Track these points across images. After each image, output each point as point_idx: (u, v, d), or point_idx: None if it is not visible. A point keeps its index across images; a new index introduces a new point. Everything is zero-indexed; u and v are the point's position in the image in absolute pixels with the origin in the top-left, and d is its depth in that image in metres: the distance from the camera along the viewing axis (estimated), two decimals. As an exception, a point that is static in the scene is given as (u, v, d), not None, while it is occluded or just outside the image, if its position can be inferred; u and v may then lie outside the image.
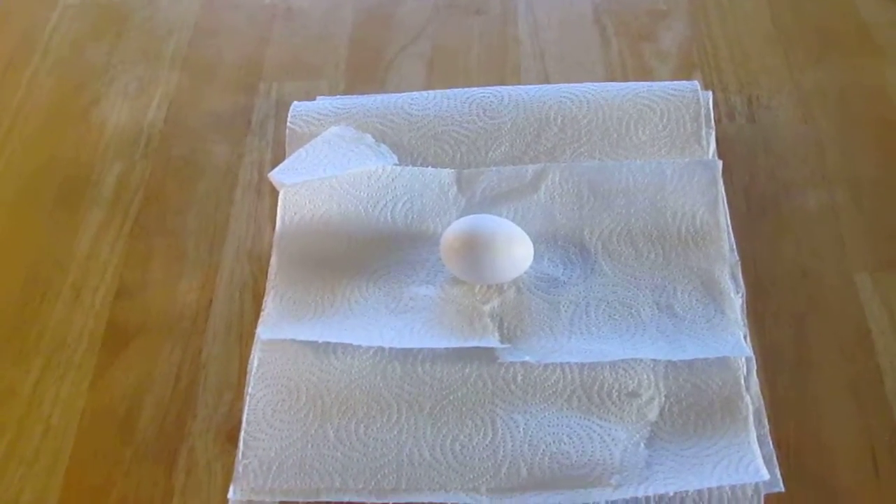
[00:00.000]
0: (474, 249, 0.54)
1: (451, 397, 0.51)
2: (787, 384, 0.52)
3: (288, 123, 0.64)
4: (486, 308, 0.55)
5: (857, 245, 0.57)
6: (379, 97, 0.66)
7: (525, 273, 0.55)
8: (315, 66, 0.71)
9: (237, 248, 0.60)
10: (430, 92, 0.65)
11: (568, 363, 0.52)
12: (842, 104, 0.65)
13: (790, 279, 0.56)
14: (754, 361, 0.52)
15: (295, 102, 0.65)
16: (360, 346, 0.53)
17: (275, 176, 0.60)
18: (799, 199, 0.60)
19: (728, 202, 0.58)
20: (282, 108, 0.67)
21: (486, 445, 0.50)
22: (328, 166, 0.60)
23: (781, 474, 0.48)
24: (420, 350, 0.53)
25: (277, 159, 0.63)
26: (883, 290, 0.55)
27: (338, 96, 0.67)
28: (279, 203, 0.60)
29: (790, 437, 0.50)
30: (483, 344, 0.52)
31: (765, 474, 0.47)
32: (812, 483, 0.49)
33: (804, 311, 0.55)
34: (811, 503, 0.49)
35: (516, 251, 0.54)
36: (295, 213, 0.60)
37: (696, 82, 0.63)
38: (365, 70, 0.70)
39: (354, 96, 0.66)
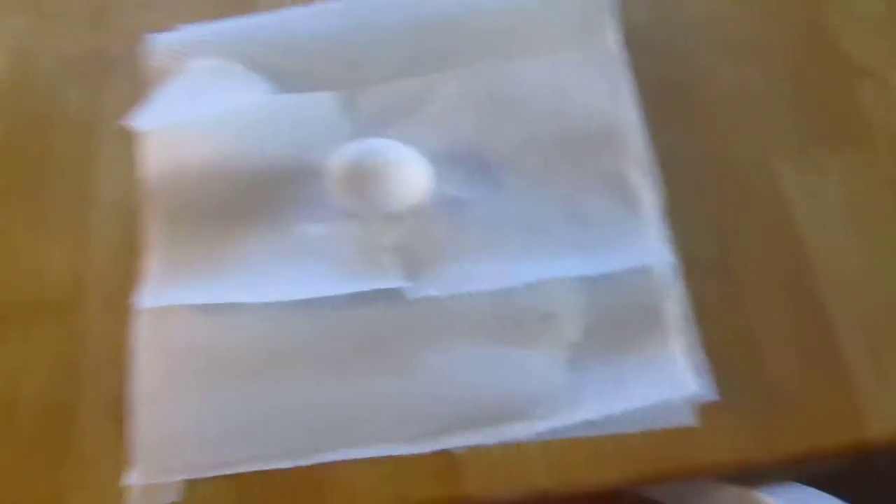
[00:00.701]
0: (365, 178, 0.50)
1: (358, 345, 0.48)
2: (714, 285, 0.50)
3: (147, 59, 0.58)
4: (386, 242, 0.51)
5: (778, 129, 0.54)
6: (248, 20, 0.60)
7: (424, 198, 0.51)
8: (174, -3, 0.63)
9: (108, 208, 0.55)
10: (305, 7, 0.59)
11: (479, 292, 0.49)
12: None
13: (709, 172, 0.53)
14: (676, 265, 0.49)
15: (153, 35, 0.59)
16: (254, 303, 0.49)
17: (134, 122, 0.54)
18: (713, 85, 0.56)
19: (638, 95, 0.54)
20: (141, 43, 0.60)
21: (400, 392, 0.47)
22: (194, 104, 0.55)
23: (714, 382, 0.46)
24: (320, 298, 0.49)
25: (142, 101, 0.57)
26: (805, 177, 0.53)
27: (202, 23, 0.60)
28: (144, 153, 0.55)
29: (721, 342, 0.48)
30: (386, 285, 0.49)
31: (692, 385, 0.45)
32: (748, 386, 0.47)
33: (725, 208, 0.52)
34: (748, 408, 0.47)
35: (412, 175, 0.51)
36: (163, 162, 0.54)
37: None
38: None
39: (221, 21, 0.60)
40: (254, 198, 0.53)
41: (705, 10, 0.59)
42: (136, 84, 0.59)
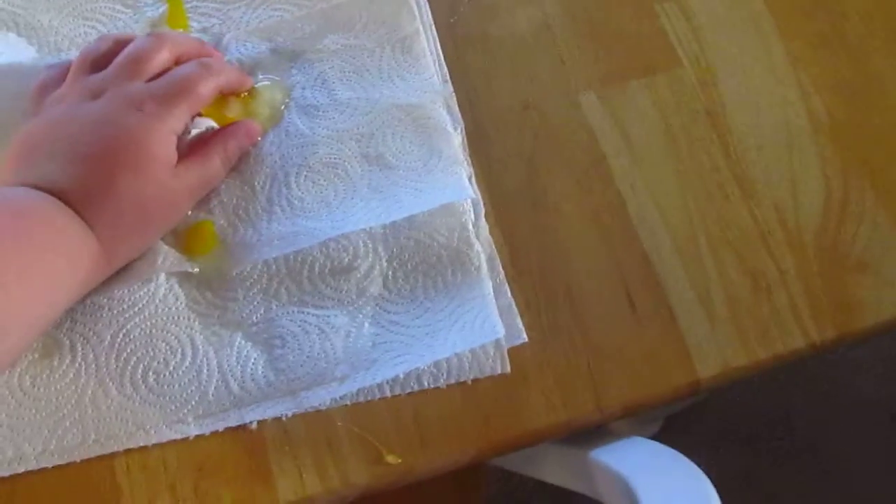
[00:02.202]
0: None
1: (137, 320, 0.44)
2: (526, 227, 0.48)
3: None
4: None
5: (578, 63, 0.53)
6: None
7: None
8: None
9: None
10: None
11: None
12: None
13: (512, 113, 0.51)
14: (481, 204, 0.48)
15: None
16: None
17: None
18: (508, 22, 0.54)
19: (438, 40, 0.52)
20: None
21: (187, 368, 0.44)
22: None
23: (529, 323, 0.45)
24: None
25: None
26: (612, 108, 0.52)
27: None
28: None
29: (536, 284, 0.47)
30: (169, 269, 0.45)
31: (500, 330, 0.43)
32: (566, 328, 0.46)
33: (532, 145, 0.50)
34: (567, 349, 0.46)
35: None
36: None
37: None
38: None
39: None
40: None
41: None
42: None
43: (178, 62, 0.47)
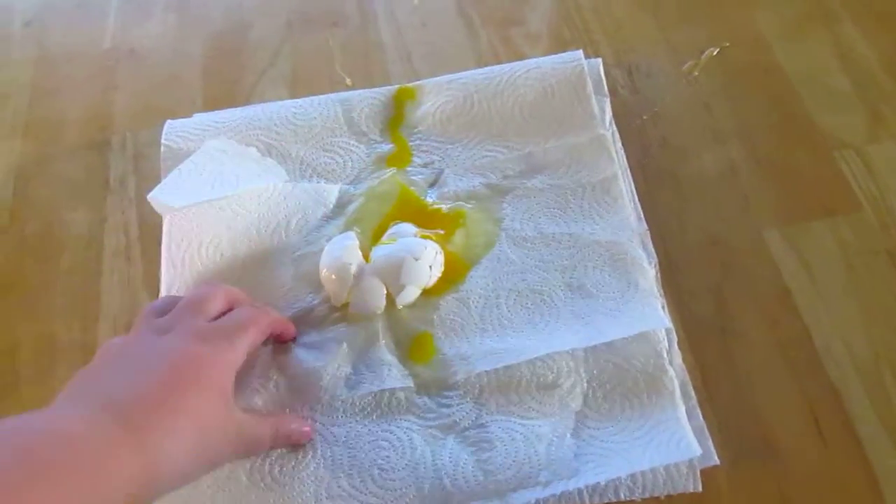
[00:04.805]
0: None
1: (366, 422, 0.52)
2: (715, 356, 0.54)
3: (163, 140, 0.63)
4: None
5: (762, 201, 0.59)
6: (259, 107, 0.66)
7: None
8: (169, 109, 0.70)
9: (113, 323, 0.59)
10: (312, 98, 0.66)
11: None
12: (720, 58, 0.66)
13: (701, 248, 0.58)
14: (674, 332, 0.53)
15: (169, 121, 0.65)
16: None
17: (155, 197, 0.59)
18: (696, 164, 0.61)
19: (632, 178, 0.60)
20: (140, 160, 0.67)
21: (405, 465, 0.50)
22: (213, 185, 0.60)
23: (720, 446, 0.49)
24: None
25: (144, 218, 0.62)
26: (796, 245, 0.57)
27: (215, 111, 0.66)
28: (164, 231, 0.59)
29: (725, 409, 0.52)
30: (393, 385, 0.52)
31: (696, 449, 0.48)
32: (754, 452, 0.50)
33: (720, 278, 0.57)
34: (757, 472, 0.50)
35: (430, 264, 0.56)
36: (181, 240, 0.59)
37: (579, 52, 0.65)
38: (224, 104, 0.69)
39: (233, 109, 0.66)
40: (268, 279, 0.57)
41: (686, 94, 0.65)
42: (137, 201, 0.64)
43: (230, 309, 0.52)
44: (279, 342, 0.55)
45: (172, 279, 0.57)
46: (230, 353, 0.48)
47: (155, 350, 0.48)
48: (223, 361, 0.48)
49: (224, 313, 0.51)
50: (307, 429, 0.51)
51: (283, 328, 0.54)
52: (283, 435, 0.50)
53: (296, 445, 0.51)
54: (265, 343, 0.53)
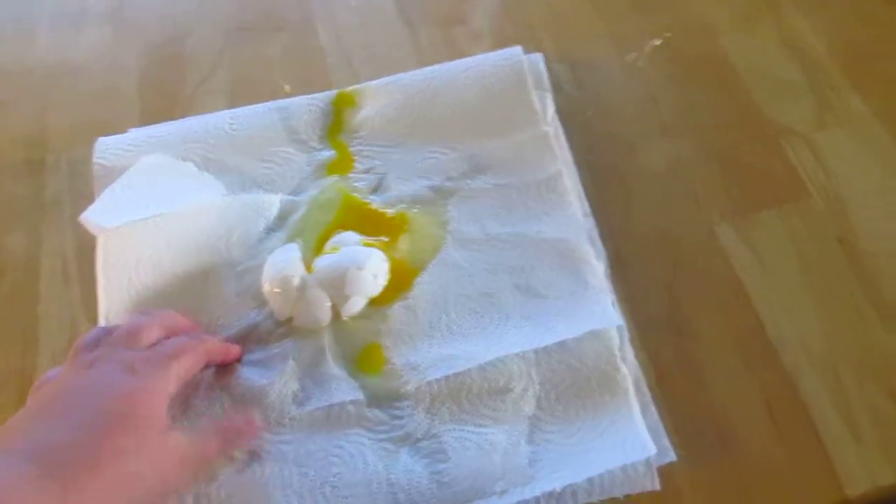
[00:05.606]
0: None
1: (315, 438, 0.51)
2: (669, 351, 0.54)
3: (94, 159, 0.62)
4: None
5: (711, 193, 0.60)
6: (195, 119, 0.65)
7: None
8: (107, 123, 0.68)
9: (53, 350, 0.57)
10: (250, 107, 0.65)
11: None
12: (667, 49, 0.66)
13: (650, 243, 0.58)
14: (626, 329, 0.53)
15: (101, 138, 0.63)
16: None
17: (88, 218, 0.58)
18: (643, 158, 0.61)
19: (578, 174, 0.59)
20: (76, 179, 0.65)
21: (358, 481, 0.49)
22: (149, 203, 0.59)
23: (678, 442, 0.49)
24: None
25: (81, 239, 0.60)
26: (746, 236, 0.58)
27: (149, 126, 0.65)
28: (98, 252, 0.58)
29: (681, 405, 0.51)
30: (342, 399, 0.51)
31: (651, 448, 0.48)
32: (712, 447, 0.50)
33: (671, 273, 0.57)
34: (715, 467, 0.50)
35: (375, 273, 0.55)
36: (118, 260, 0.57)
37: (518, 48, 0.64)
38: (163, 116, 0.67)
39: (168, 123, 0.65)
40: (211, 295, 0.56)
41: (632, 88, 0.65)
42: (74, 222, 0.61)
43: (167, 338, 0.51)
44: (222, 367, 0.54)
45: (111, 301, 0.56)
46: (161, 381, 0.47)
47: (82, 391, 0.47)
48: (152, 390, 0.47)
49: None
50: (255, 423, 0.50)
51: (223, 355, 0.53)
52: (231, 433, 0.50)
53: (250, 452, 0.50)
54: (206, 367, 0.52)
